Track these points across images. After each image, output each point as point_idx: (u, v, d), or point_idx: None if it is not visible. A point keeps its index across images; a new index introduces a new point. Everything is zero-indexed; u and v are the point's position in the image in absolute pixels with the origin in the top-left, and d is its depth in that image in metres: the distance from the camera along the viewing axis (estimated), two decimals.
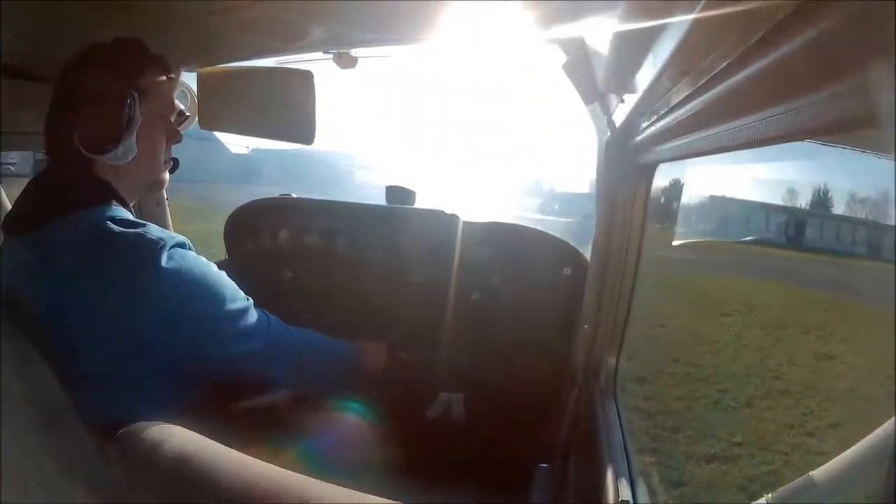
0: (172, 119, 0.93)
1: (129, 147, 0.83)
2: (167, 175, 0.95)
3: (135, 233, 0.76)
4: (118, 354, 0.74)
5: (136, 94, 0.83)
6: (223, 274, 0.85)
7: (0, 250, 0.82)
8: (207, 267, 0.83)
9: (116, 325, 0.73)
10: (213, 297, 0.81)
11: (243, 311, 0.85)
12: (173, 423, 0.59)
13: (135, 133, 0.83)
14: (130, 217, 0.81)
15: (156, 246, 0.76)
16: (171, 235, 0.79)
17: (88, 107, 0.82)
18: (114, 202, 0.81)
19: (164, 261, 0.75)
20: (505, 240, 1.38)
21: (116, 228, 0.76)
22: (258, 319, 0.87)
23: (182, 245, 0.80)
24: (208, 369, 0.83)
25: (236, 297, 0.85)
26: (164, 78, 0.90)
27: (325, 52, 1.09)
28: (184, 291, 0.77)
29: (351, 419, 1.12)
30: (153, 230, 0.78)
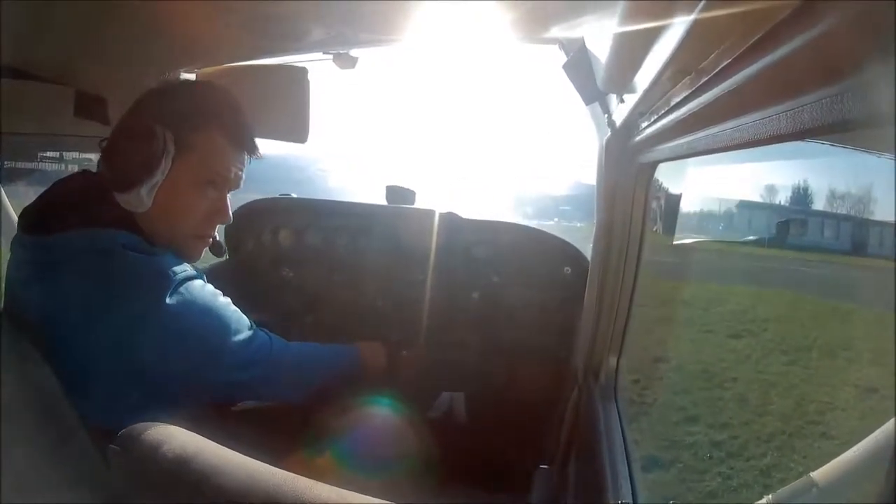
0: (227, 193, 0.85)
1: (139, 198, 0.77)
2: (197, 252, 0.87)
3: (146, 261, 0.75)
4: (118, 372, 0.73)
5: (170, 145, 0.77)
6: (229, 304, 0.83)
7: (13, 243, 0.82)
8: (213, 299, 0.81)
9: (117, 348, 0.73)
10: (216, 331, 0.80)
11: (247, 341, 0.84)
12: (174, 425, 0.59)
13: (151, 186, 0.77)
14: (144, 244, 0.78)
15: (163, 280, 0.75)
16: (181, 268, 0.78)
17: (120, 137, 0.79)
18: (134, 227, 0.79)
19: (168, 296, 0.74)
20: (505, 239, 1.38)
21: (129, 253, 0.75)
22: (261, 346, 0.86)
23: (191, 278, 0.79)
24: (211, 394, 0.83)
25: (240, 327, 0.83)
26: (228, 144, 0.83)
27: (325, 52, 1.09)
28: (187, 327, 0.76)
29: (354, 419, 1.12)
30: (164, 261, 0.77)
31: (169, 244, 0.82)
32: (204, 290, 0.80)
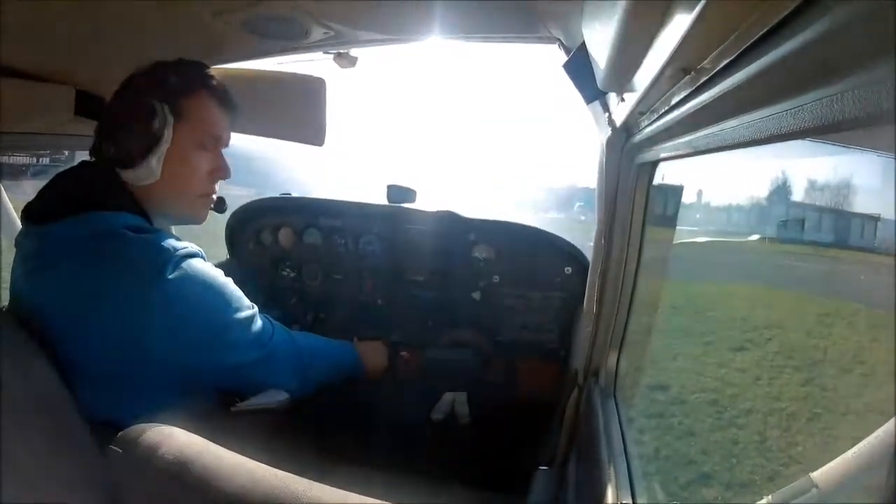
0: (221, 151, 0.91)
1: (150, 169, 0.81)
2: (205, 211, 0.91)
3: (146, 240, 0.76)
4: (120, 356, 0.74)
5: (168, 115, 0.81)
6: (229, 283, 0.84)
7: (17, 238, 0.82)
8: (214, 278, 0.82)
9: (119, 329, 0.73)
10: (217, 308, 0.81)
11: (247, 321, 0.84)
12: (173, 425, 0.59)
13: (158, 156, 0.81)
14: (145, 224, 0.80)
15: (164, 256, 0.75)
16: (181, 245, 0.78)
17: (120, 118, 0.82)
18: (132, 208, 0.81)
19: (170, 271, 0.75)
20: (506, 239, 1.38)
21: (129, 234, 0.76)
22: (262, 328, 0.87)
23: (192, 255, 0.79)
24: (212, 376, 0.83)
25: (241, 306, 0.84)
26: (216, 106, 0.88)
27: (325, 52, 1.10)
28: (188, 303, 0.77)
29: (356, 419, 1.12)
30: (165, 239, 0.77)
31: (177, 210, 0.87)
32: (205, 267, 0.81)
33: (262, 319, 0.88)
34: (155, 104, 0.81)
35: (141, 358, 0.74)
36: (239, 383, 0.88)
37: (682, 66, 0.45)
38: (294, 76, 1.16)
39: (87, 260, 0.75)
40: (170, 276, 0.74)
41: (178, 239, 0.80)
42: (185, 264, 0.77)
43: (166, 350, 0.75)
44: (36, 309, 0.74)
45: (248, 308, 0.85)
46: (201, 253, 0.82)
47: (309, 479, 0.52)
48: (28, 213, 0.82)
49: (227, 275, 0.86)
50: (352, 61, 1.09)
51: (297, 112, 1.17)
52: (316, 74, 1.16)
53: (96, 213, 0.77)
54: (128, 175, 0.81)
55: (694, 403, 2.36)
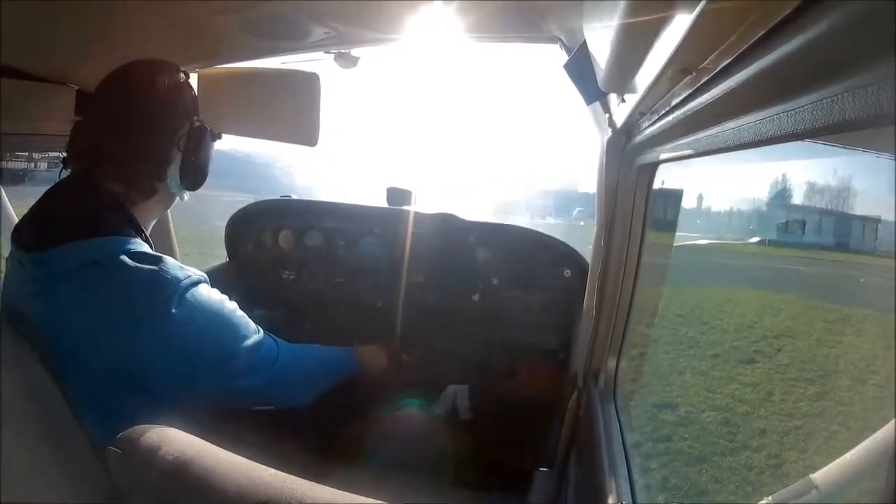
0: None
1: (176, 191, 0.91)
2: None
3: (149, 270, 0.75)
4: (123, 387, 0.73)
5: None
6: (235, 310, 0.84)
7: (9, 259, 0.81)
8: (220, 306, 0.81)
9: (121, 359, 0.72)
10: (223, 337, 0.80)
11: (254, 346, 0.84)
12: (172, 427, 0.59)
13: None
14: (147, 249, 0.79)
15: (169, 288, 0.74)
16: (185, 274, 0.77)
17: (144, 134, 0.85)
18: (131, 231, 0.80)
19: (175, 305, 0.74)
20: (505, 241, 1.38)
21: (131, 263, 0.74)
22: (268, 351, 0.86)
23: (196, 283, 0.78)
24: (219, 401, 0.83)
25: (248, 332, 0.84)
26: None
27: (326, 51, 1.09)
28: (194, 335, 0.76)
29: (357, 419, 1.12)
30: (168, 267, 0.76)
31: (162, 211, 0.94)
32: (210, 295, 0.80)
33: (267, 341, 0.87)
34: (185, 121, 0.90)
35: (145, 389, 0.73)
36: (247, 405, 0.88)
37: (682, 66, 0.45)
38: (284, 72, 1.10)
39: (91, 291, 0.73)
40: (174, 311, 0.73)
41: (181, 266, 0.79)
42: (189, 295, 0.76)
43: (169, 379, 0.75)
44: (36, 329, 0.72)
45: (254, 332, 0.85)
46: (205, 278, 0.82)
47: (309, 479, 0.52)
48: (20, 235, 0.79)
49: (226, 277, 0.86)
50: (353, 61, 1.09)
51: (288, 110, 1.10)
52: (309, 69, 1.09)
53: (95, 241, 0.75)
54: (169, 187, 0.89)
55: (703, 423, 2.25)
